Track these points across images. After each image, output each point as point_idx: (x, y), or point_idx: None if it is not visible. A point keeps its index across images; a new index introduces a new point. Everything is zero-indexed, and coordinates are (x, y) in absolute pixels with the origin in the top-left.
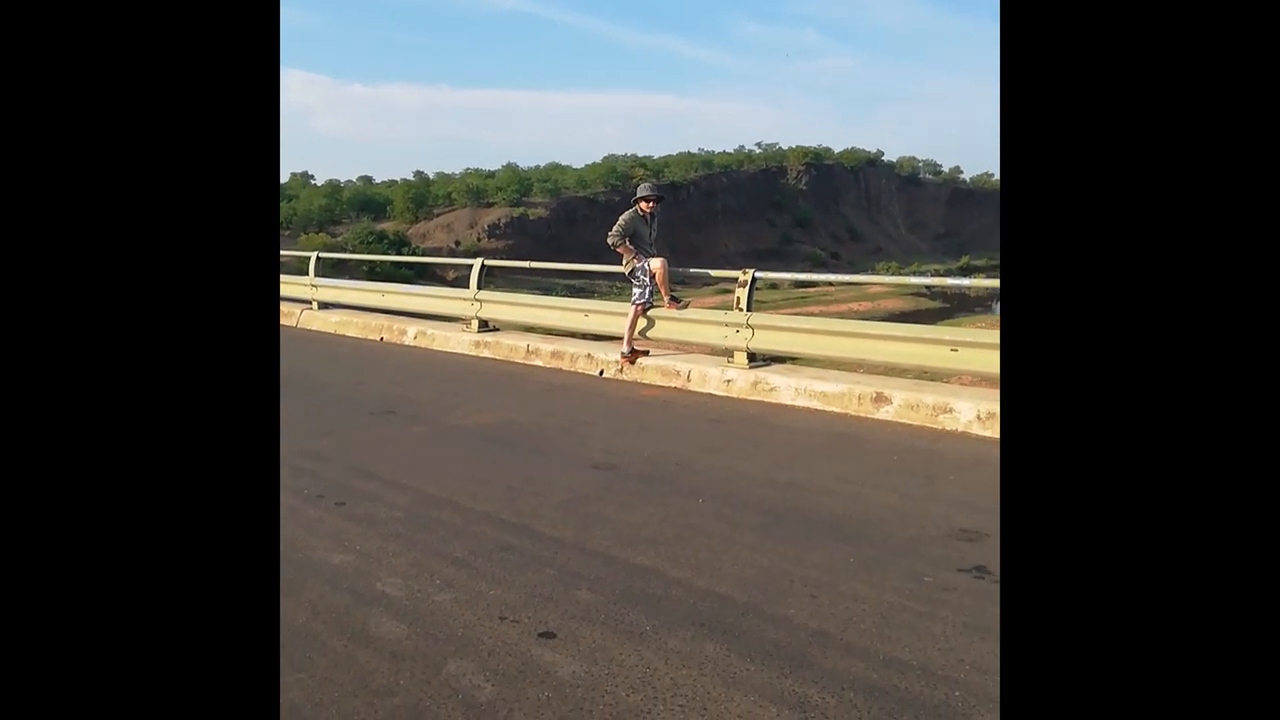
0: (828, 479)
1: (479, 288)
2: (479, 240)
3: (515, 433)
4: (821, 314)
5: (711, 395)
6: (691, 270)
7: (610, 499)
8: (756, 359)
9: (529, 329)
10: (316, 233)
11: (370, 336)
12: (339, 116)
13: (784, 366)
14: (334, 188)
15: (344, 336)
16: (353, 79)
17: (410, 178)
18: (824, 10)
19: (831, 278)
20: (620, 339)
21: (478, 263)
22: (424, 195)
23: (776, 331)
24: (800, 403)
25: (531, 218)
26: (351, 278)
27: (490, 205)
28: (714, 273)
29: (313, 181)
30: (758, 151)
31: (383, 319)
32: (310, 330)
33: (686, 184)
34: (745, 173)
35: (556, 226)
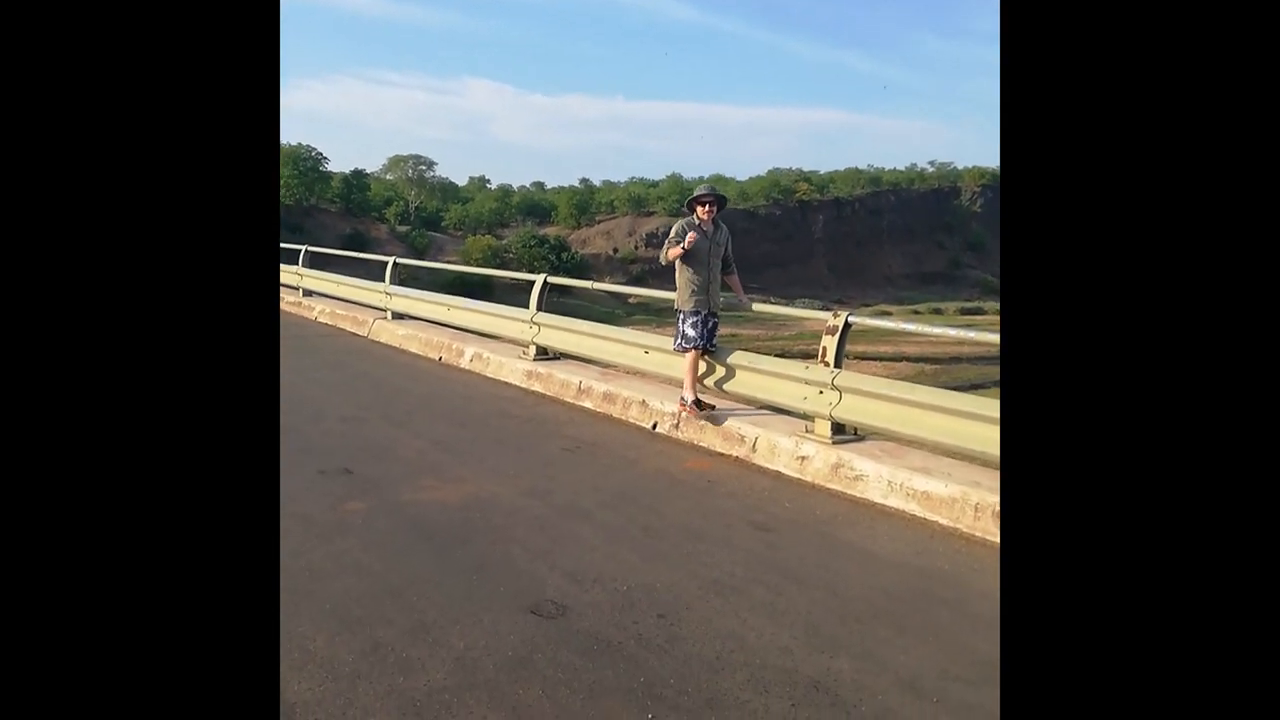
0: (891, 683)
1: (539, 308)
2: (636, 248)
3: (474, 524)
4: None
5: (778, 475)
6: (759, 306)
7: (501, 697)
8: (845, 430)
9: (589, 361)
10: (485, 234)
11: (429, 355)
12: (519, 124)
13: (881, 445)
14: (505, 192)
15: (404, 352)
16: (534, 89)
17: (577, 184)
18: None
19: (972, 335)
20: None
21: (539, 279)
22: (588, 202)
23: (872, 400)
24: (894, 503)
25: None
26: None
27: (650, 214)
28: (795, 311)
29: (488, 185)
30: (930, 170)
31: (445, 336)
32: (376, 343)
33: (851, 200)
34: (915, 191)
35: None
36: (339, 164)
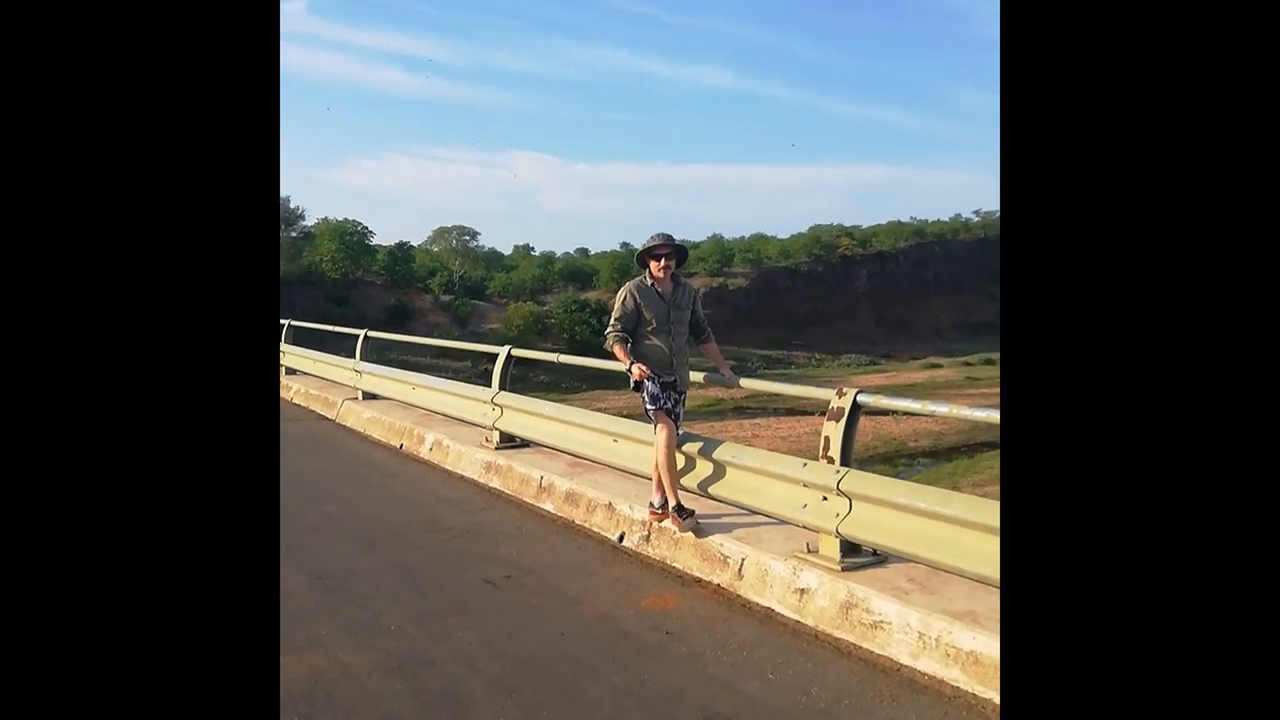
0: None
1: (502, 386)
2: None
3: None
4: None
5: (768, 616)
6: (751, 383)
7: None
8: (862, 552)
9: (557, 450)
10: (527, 301)
11: (391, 442)
12: (564, 193)
13: (910, 572)
14: (547, 259)
15: (366, 439)
16: (579, 159)
17: (619, 249)
18: None
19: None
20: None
21: (503, 352)
22: (628, 265)
23: (893, 512)
24: (928, 666)
25: (731, 287)
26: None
27: (691, 275)
28: (789, 389)
29: (532, 253)
30: (975, 220)
31: (412, 419)
32: (341, 427)
33: (895, 254)
34: (961, 242)
35: (756, 296)
36: (387, 238)
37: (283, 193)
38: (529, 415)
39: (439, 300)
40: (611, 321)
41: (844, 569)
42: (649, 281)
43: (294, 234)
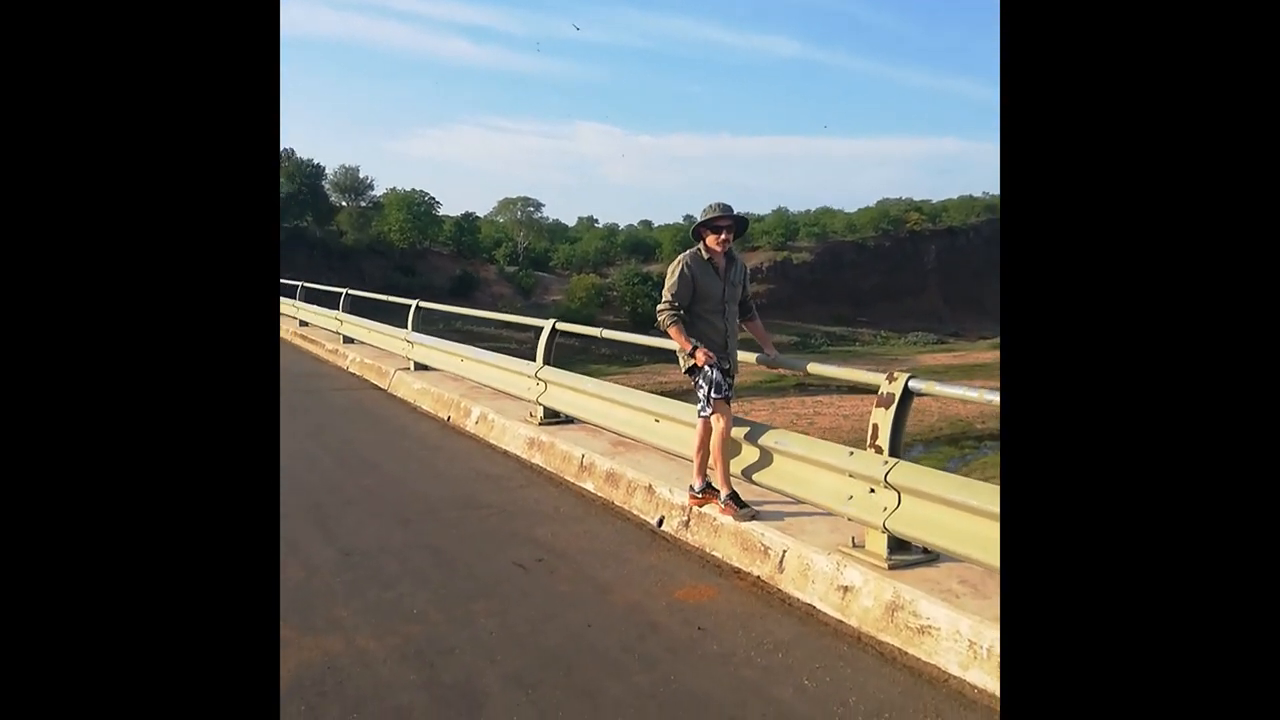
0: None
1: (546, 361)
2: None
3: None
4: None
5: (809, 614)
6: (789, 358)
7: None
8: (911, 549)
9: (601, 427)
10: (590, 273)
11: (439, 414)
12: (627, 165)
13: (963, 573)
14: (610, 231)
15: (414, 410)
16: (642, 130)
17: (681, 221)
18: None
19: None
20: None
21: (548, 325)
22: (690, 238)
23: (945, 509)
24: (978, 678)
25: (795, 262)
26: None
27: (755, 249)
28: (834, 371)
29: (595, 225)
30: None
31: (460, 391)
32: (392, 398)
33: (966, 229)
34: None
35: (820, 271)
36: (453, 208)
37: (352, 162)
38: (572, 391)
39: (504, 271)
40: (666, 298)
41: (891, 567)
42: (705, 255)
43: (363, 203)
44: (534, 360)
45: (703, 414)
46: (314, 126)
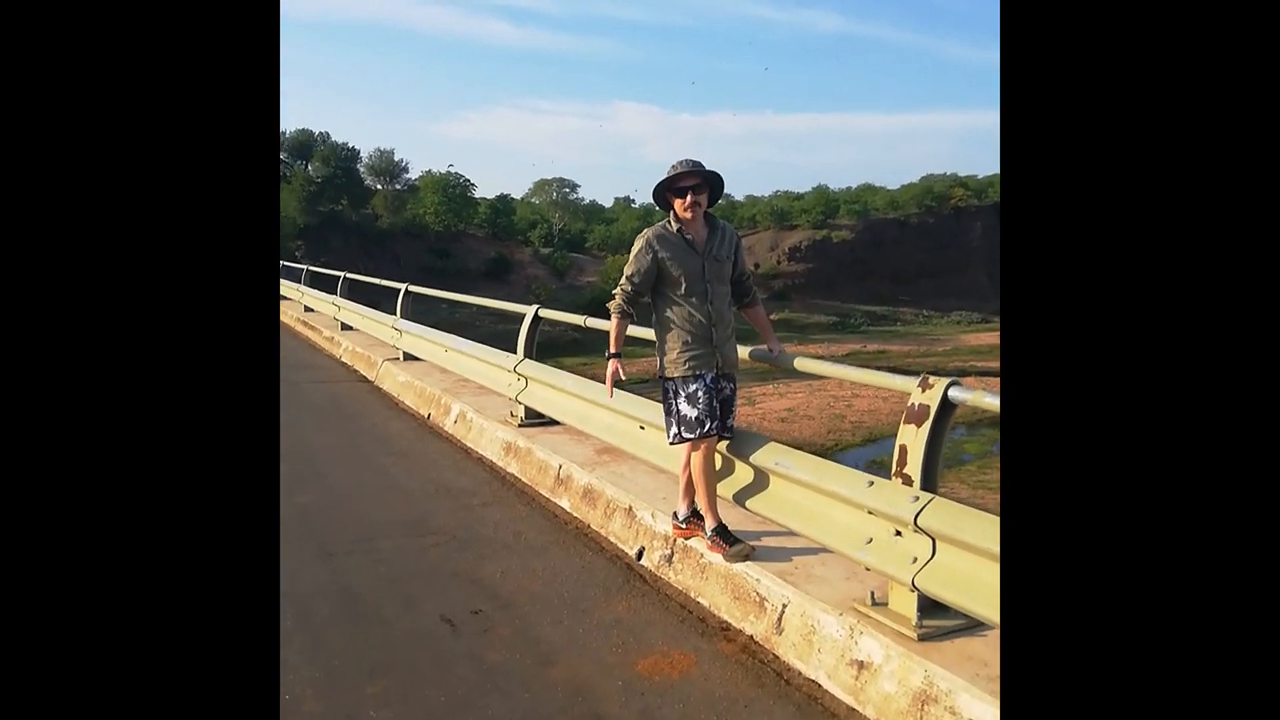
0: None
1: (528, 354)
2: (778, 263)
3: None
4: None
5: (812, 696)
6: (807, 364)
7: None
8: (949, 611)
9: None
10: (624, 254)
11: (421, 410)
12: (667, 144)
13: None
14: (647, 210)
15: (395, 406)
16: (682, 109)
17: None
18: None
19: None
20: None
21: (529, 312)
22: (729, 217)
23: (994, 564)
24: None
25: (835, 240)
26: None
27: (793, 228)
28: (850, 373)
29: (633, 205)
30: None
31: (443, 385)
32: (376, 390)
33: None
34: None
35: (861, 249)
36: (490, 190)
37: (388, 145)
38: (551, 389)
39: (538, 253)
40: (622, 281)
41: (921, 637)
42: (675, 226)
43: (398, 186)
44: (516, 353)
45: (670, 441)
46: (351, 110)
